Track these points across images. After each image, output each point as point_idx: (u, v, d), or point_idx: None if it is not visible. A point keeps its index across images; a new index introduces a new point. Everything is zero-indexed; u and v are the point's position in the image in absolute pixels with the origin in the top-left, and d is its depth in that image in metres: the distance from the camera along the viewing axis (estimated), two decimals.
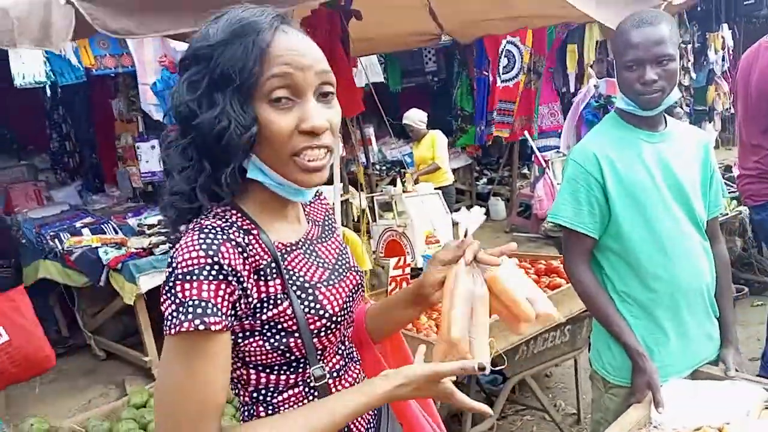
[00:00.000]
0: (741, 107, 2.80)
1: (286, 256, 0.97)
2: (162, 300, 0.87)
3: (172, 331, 0.84)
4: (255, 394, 0.99)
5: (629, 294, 1.72)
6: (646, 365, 1.62)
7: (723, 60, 8.18)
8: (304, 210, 1.10)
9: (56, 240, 4.44)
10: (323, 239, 1.09)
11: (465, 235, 1.07)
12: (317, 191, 1.16)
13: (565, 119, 7.15)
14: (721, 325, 1.79)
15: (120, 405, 2.40)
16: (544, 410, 3.06)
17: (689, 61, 7.47)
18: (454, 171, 6.86)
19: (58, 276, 4.41)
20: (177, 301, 0.84)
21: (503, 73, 6.28)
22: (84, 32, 1.77)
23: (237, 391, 1.02)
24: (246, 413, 1.01)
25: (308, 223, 1.09)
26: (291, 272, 0.96)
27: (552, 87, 6.89)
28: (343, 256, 1.11)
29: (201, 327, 0.83)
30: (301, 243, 1.02)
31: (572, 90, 7.16)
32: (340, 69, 3.05)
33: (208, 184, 0.93)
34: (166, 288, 0.86)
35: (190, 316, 0.83)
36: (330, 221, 1.16)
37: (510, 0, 3.01)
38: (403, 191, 5.19)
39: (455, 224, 1.10)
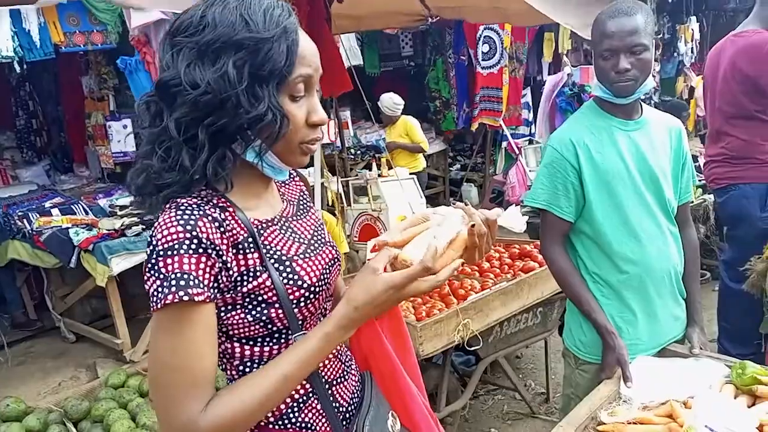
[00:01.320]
0: (709, 97, 2.89)
1: (262, 231, 1.00)
2: (145, 279, 0.89)
3: (159, 305, 0.86)
4: (241, 368, 1.01)
5: (601, 275, 1.78)
6: (616, 343, 1.70)
7: (692, 51, 8.36)
8: (279, 190, 1.14)
9: (25, 220, 4.35)
10: (298, 217, 1.13)
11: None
12: (291, 173, 1.18)
13: (529, 110, 7.27)
14: (688, 306, 1.88)
15: (97, 385, 2.38)
16: (515, 389, 3.15)
17: (658, 52, 7.61)
18: (428, 157, 6.91)
19: (27, 257, 4.33)
20: (161, 276, 0.87)
21: (483, 60, 6.30)
22: None
23: (223, 366, 1.04)
24: None
25: (283, 202, 1.12)
26: (268, 246, 0.99)
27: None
28: (319, 231, 1.14)
29: (185, 298, 0.86)
30: (276, 220, 1.05)
31: (544, 78, 7.24)
32: (328, 49, 3.06)
33: (214, 168, 0.93)
34: (149, 266, 0.88)
35: (173, 289, 0.85)
36: (304, 200, 1.19)
37: None
38: (379, 175, 5.21)
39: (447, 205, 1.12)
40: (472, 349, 2.59)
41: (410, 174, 5.63)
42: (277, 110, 0.92)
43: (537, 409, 3.20)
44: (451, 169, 8.36)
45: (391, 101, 5.96)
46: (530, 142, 7.05)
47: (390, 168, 5.48)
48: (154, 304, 0.87)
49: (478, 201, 7.77)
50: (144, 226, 4.21)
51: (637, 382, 1.65)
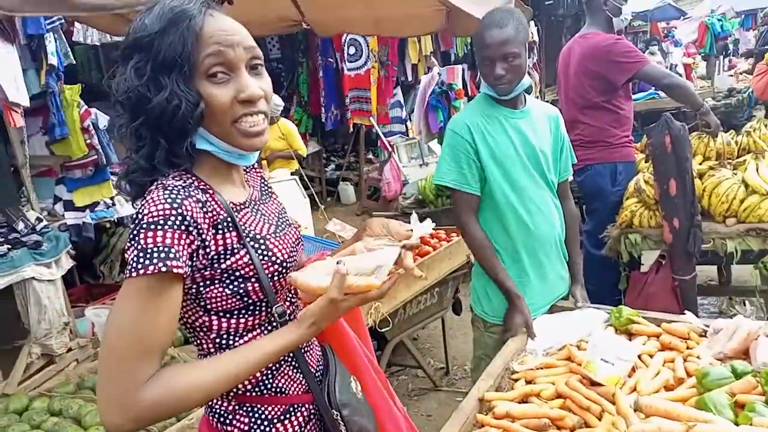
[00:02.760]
0: (563, 90, 3.33)
1: (237, 213, 1.09)
2: (128, 249, 0.95)
3: (134, 274, 0.92)
4: (218, 340, 1.08)
5: (500, 245, 2.04)
6: (524, 306, 1.96)
7: (532, 52, 9.29)
8: (245, 178, 1.23)
9: None
10: (264, 201, 1.22)
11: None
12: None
13: (401, 108, 7.65)
14: (570, 267, 2.20)
15: None
16: (419, 366, 3.38)
17: (533, 53, 8.32)
18: (303, 158, 6.99)
19: None
20: (140, 247, 0.93)
21: (350, 62, 6.51)
22: None
23: (199, 341, 1.11)
24: None
25: (249, 188, 1.21)
26: (244, 226, 1.08)
27: (395, 75, 7.30)
28: (283, 215, 1.25)
29: (164, 269, 0.92)
30: (247, 203, 1.15)
31: (409, 79, 7.65)
32: None
33: (166, 157, 1.03)
34: (131, 238, 0.95)
35: (155, 260, 0.92)
36: (266, 187, 1.29)
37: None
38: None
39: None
40: (382, 331, 2.76)
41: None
42: (182, 95, 0.97)
43: (439, 383, 3.46)
44: (326, 169, 8.51)
45: (272, 102, 5.94)
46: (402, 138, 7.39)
47: (270, 170, 5.50)
48: (131, 271, 0.92)
49: (355, 199, 8.00)
50: (10, 246, 3.87)
51: (538, 335, 1.93)
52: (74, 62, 4.07)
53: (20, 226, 3.91)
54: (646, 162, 3.25)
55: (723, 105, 7.63)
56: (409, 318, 3.10)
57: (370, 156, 8.46)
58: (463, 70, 7.14)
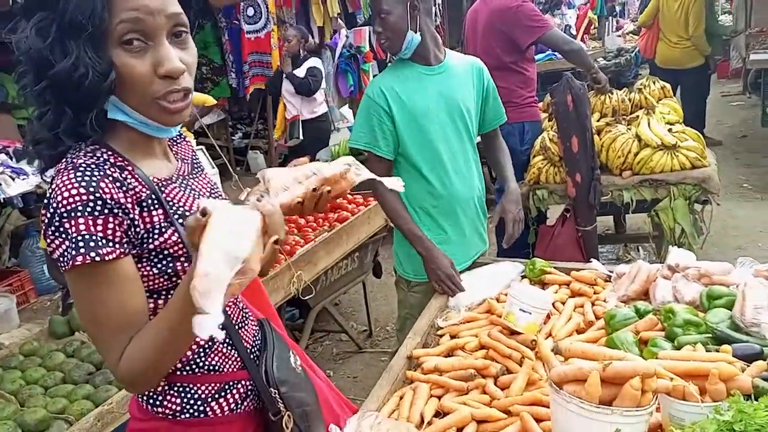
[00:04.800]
0: (471, 51, 3.39)
1: (163, 189, 1.02)
2: (49, 240, 0.89)
3: (68, 266, 0.89)
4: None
5: (418, 204, 2.07)
6: (439, 255, 1.99)
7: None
8: (172, 150, 1.15)
9: None
10: (194, 176, 1.15)
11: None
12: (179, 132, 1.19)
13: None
14: (502, 176, 2.28)
15: None
16: (343, 331, 3.43)
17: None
18: (208, 127, 6.70)
19: None
20: (68, 237, 0.88)
21: (249, 24, 6.21)
22: None
23: None
24: None
25: (177, 161, 1.13)
26: (171, 203, 1.02)
27: None
28: (215, 190, 1.18)
29: (97, 258, 0.88)
30: (174, 178, 1.08)
31: (315, 41, 7.47)
32: None
33: (72, 127, 0.94)
34: (52, 228, 0.89)
35: (82, 250, 0.88)
36: (197, 160, 1.21)
37: None
38: None
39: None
40: (305, 299, 2.76)
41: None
42: (90, 62, 0.88)
43: (363, 345, 3.52)
44: (233, 138, 8.22)
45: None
46: None
47: None
48: (64, 264, 0.89)
49: (266, 167, 7.81)
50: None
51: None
52: None
53: None
54: (549, 121, 3.41)
55: (613, 64, 8.11)
56: (331, 284, 3.12)
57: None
58: (370, 32, 7.07)
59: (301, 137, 5.83)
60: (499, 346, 1.63)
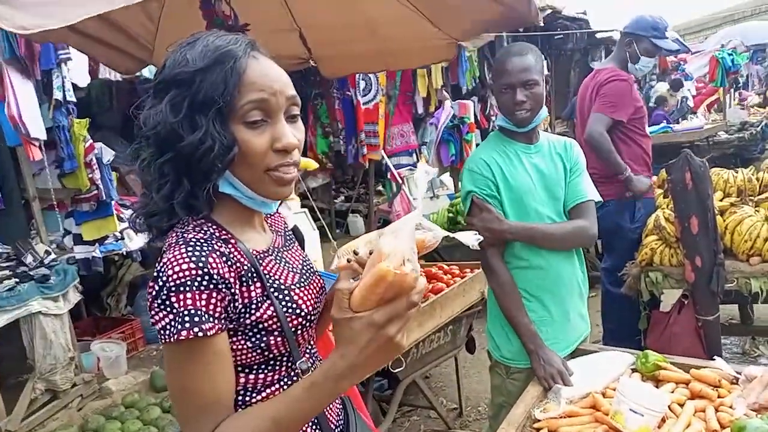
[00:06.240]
0: (580, 123, 3.29)
1: (261, 261, 1.03)
2: (154, 311, 0.91)
3: (171, 339, 0.89)
4: (235, 397, 1.01)
5: (521, 285, 1.96)
6: (547, 352, 1.87)
7: (547, 86, 9.35)
8: (267, 221, 1.17)
9: None
10: (287, 248, 1.16)
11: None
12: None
13: (415, 139, 7.65)
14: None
15: None
16: (432, 407, 3.27)
17: (548, 87, 8.38)
18: (312, 190, 6.98)
19: None
20: (173, 311, 0.89)
21: (363, 95, 6.53)
22: None
23: None
24: None
25: (272, 233, 1.15)
26: (268, 276, 1.02)
27: (409, 110, 7.30)
28: (306, 262, 1.18)
29: (200, 334, 0.89)
30: (270, 250, 1.09)
31: (420, 111, 7.67)
32: None
33: (187, 199, 0.98)
34: (158, 301, 0.91)
35: (187, 325, 0.89)
36: (289, 233, 1.23)
37: (378, 32, 3.22)
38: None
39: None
40: (395, 371, 2.67)
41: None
42: (218, 137, 0.93)
43: (452, 424, 3.34)
44: (336, 201, 8.49)
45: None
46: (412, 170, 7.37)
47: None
48: (166, 337, 0.90)
49: (365, 230, 7.95)
50: (18, 280, 3.83)
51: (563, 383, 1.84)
52: (84, 96, 4.08)
53: (29, 259, 3.88)
54: (664, 198, 3.19)
55: (736, 138, 7.58)
56: (422, 357, 3.01)
57: (380, 188, 8.45)
58: (474, 103, 7.15)
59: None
60: None
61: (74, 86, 3.74)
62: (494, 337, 2.07)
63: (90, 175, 3.70)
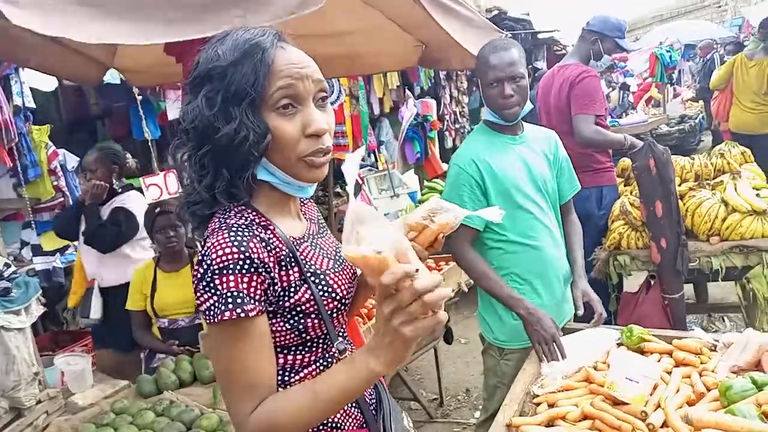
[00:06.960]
0: (545, 118, 3.42)
1: (298, 247, 1.07)
2: (199, 293, 0.95)
3: (215, 320, 0.93)
4: None
5: (513, 272, 2.04)
6: (539, 314, 1.93)
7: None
8: (301, 209, 1.20)
9: None
10: (321, 234, 1.20)
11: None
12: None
13: (372, 139, 7.69)
14: (573, 268, 2.19)
15: None
16: (415, 399, 3.33)
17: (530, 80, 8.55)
18: None
19: None
20: (217, 293, 0.93)
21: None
22: None
23: None
24: None
25: (306, 220, 1.18)
26: (304, 261, 1.06)
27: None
28: (338, 249, 1.21)
29: (242, 315, 0.93)
30: (306, 237, 1.12)
31: (376, 112, 7.73)
32: None
33: (227, 188, 1.02)
34: (204, 283, 0.94)
35: (230, 306, 0.93)
36: (322, 222, 1.26)
37: (347, 40, 3.27)
38: None
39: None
40: None
41: None
42: (251, 126, 0.96)
43: (434, 414, 3.41)
44: None
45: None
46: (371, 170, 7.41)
47: None
48: (210, 318, 0.93)
49: None
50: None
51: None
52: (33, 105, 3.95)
53: None
54: (626, 185, 3.36)
55: (677, 131, 8.00)
56: None
57: (338, 189, 8.44)
58: (435, 103, 7.29)
59: None
60: (607, 416, 1.55)
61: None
62: (487, 321, 2.14)
63: (55, 183, 3.58)
